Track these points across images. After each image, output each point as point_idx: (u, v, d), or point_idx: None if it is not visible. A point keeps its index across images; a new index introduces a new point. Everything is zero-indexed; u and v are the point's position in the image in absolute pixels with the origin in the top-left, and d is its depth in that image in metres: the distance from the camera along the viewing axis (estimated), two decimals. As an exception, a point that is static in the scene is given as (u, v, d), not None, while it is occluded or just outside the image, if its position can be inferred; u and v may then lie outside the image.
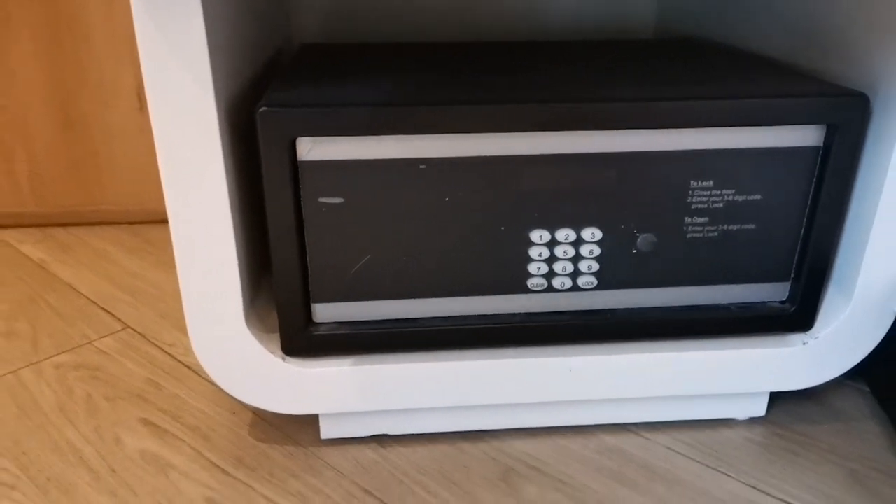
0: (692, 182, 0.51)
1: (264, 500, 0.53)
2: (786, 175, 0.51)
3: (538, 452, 0.58)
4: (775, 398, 0.63)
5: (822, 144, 0.51)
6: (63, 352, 0.71)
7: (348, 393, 0.54)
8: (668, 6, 0.86)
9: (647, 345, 0.56)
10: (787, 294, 0.56)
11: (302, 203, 0.49)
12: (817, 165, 0.51)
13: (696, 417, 0.61)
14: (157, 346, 0.72)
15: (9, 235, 0.99)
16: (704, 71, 0.57)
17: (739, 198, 0.52)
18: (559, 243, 0.52)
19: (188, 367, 0.69)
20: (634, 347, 0.56)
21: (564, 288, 0.53)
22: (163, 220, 1.02)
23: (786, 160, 0.51)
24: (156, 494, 0.53)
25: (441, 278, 0.52)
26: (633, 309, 0.55)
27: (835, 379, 0.62)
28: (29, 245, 0.96)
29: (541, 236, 0.51)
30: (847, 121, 0.49)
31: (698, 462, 0.57)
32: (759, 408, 0.61)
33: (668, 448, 0.58)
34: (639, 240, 0.52)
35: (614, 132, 0.49)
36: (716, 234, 0.53)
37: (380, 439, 0.59)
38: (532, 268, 0.52)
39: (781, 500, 0.53)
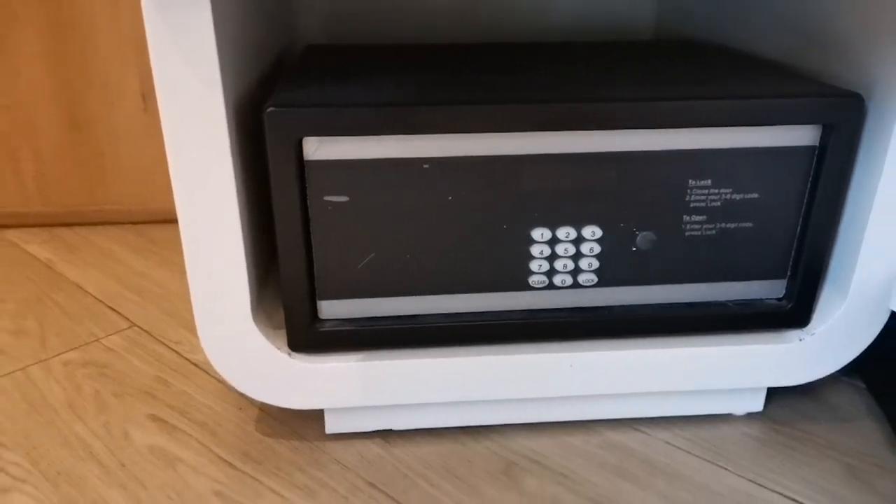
0: (691, 181, 0.52)
1: (271, 493, 0.54)
2: (782, 174, 0.52)
3: (539, 447, 0.59)
4: (773, 394, 0.64)
5: (818, 144, 0.52)
6: (71, 349, 0.72)
7: (353, 388, 0.55)
8: (667, 8, 0.87)
9: (646, 341, 0.57)
10: (783, 291, 0.57)
11: (308, 202, 0.50)
12: (813, 165, 0.52)
13: (696, 413, 0.62)
14: (163, 343, 0.74)
15: (15, 235, 1.00)
16: (703, 72, 0.58)
17: (737, 197, 0.53)
18: (560, 241, 0.53)
19: (194, 365, 0.70)
20: (634, 344, 0.57)
21: (565, 285, 0.54)
22: (167, 220, 1.04)
23: (783, 160, 0.52)
24: (165, 488, 0.54)
25: (444, 276, 0.53)
26: (632, 306, 0.56)
27: (831, 375, 0.63)
28: (35, 245, 0.97)
29: (542, 234, 0.52)
30: (843, 121, 0.50)
31: (697, 457, 0.58)
32: (757, 404, 0.62)
33: (668, 443, 0.59)
34: (638, 238, 0.53)
35: (614, 132, 0.50)
36: (714, 232, 0.54)
37: (384, 434, 0.60)
38: (533, 265, 0.53)
39: (779, 493, 0.54)
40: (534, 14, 0.89)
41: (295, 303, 0.52)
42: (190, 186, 0.48)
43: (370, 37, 0.89)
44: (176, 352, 0.72)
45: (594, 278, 0.54)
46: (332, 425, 0.59)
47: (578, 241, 0.53)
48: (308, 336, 0.53)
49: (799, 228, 0.54)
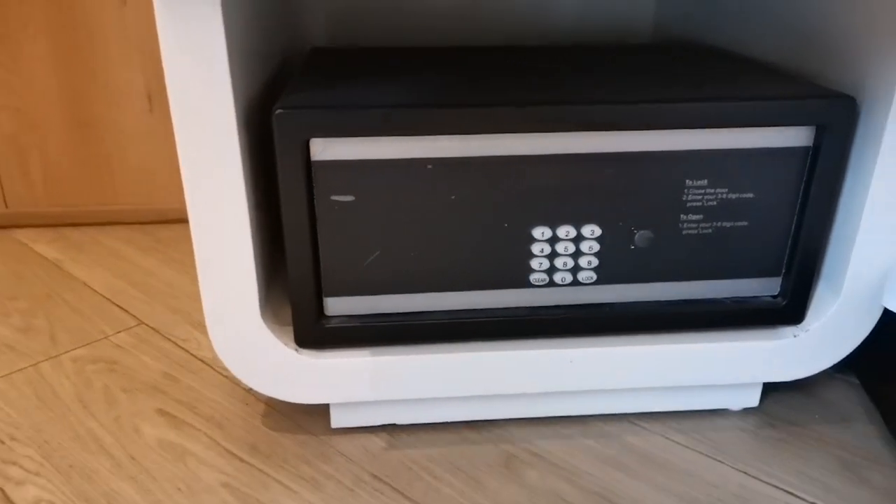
0: (688, 181, 0.53)
1: (278, 485, 0.55)
2: (777, 174, 0.54)
3: (539, 440, 0.60)
4: (768, 390, 0.65)
5: (811, 145, 0.53)
6: (80, 346, 0.74)
7: (358, 383, 0.56)
8: (665, 12, 0.89)
9: (644, 337, 0.58)
10: (778, 288, 0.58)
11: (315, 201, 0.51)
12: (807, 165, 0.54)
13: (692, 408, 0.64)
14: (171, 340, 0.75)
15: (23, 235, 1.01)
16: (700, 74, 0.59)
17: (733, 196, 0.54)
18: (560, 240, 0.54)
19: (202, 361, 0.71)
20: (632, 340, 0.58)
21: (565, 283, 0.56)
22: (172, 220, 1.05)
23: (777, 160, 0.53)
24: (174, 480, 0.55)
25: (447, 273, 0.55)
26: (631, 303, 0.57)
27: (825, 371, 0.64)
28: (42, 244, 0.98)
29: (543, 233, 0.54)
30: (836, 122, 0.52)
31: (693, 450, 0.59)
32: (753, 399, 0.64)
33: (665, 437, 0.61)
34: (636, 236, 0.55)
35: (613, 133, 0.51)
36: (710, 230, 0.55)
37: (388, 428, 0.61)
38: (534, 263, 0.55)
39: (773, 485, 0.56)
40: (534, 17, 0.91)
41: (302, 300, 0.53)
42: (201, 187, 0.49)
43: (372, 39, 0.90)
44: (183, 349, 0.73)
45: (593, 276, 0.56)
46: (337, 420, 0.61)
47: (578, 239, 0.54)
48: (315, 332, 0.55)
49: (793, 227, 0.56)
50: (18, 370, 0.70)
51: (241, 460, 0.58)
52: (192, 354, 0.72)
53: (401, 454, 0.58)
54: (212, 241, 0.51)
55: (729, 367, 0.59)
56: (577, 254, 0.55)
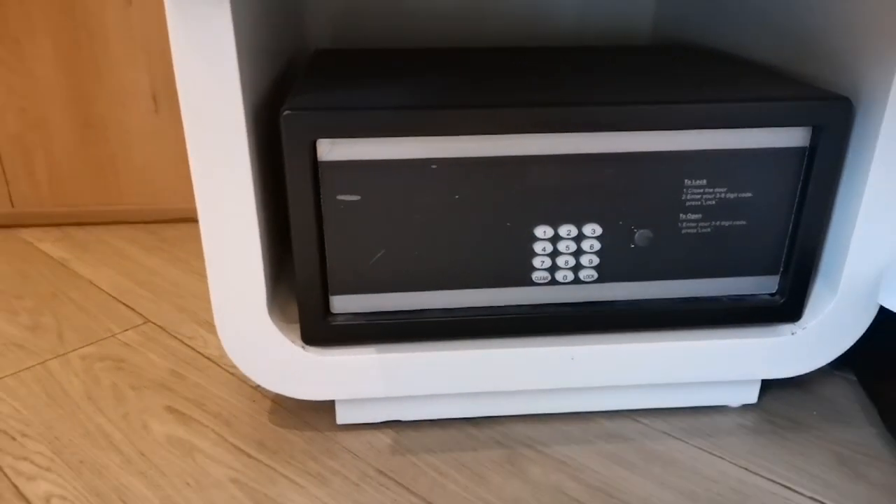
0: (687, 181, 0.54)
1: (285, 480, 0.56)
2: (775, 174, 0.55)
3: (542, 436, 0.61)
4: (767, 387, 0.66)
5: (808, 145, 0.54)
6: (88, 344, 0.75)
7: (364, 380, 0.57)
8: (664, 14, 0.90)
9: (644, 335, 0.59)
10: (776, 286, 0.59)
11: (321, 201, 0.52)
12: (804, 165, 0.55)
13: (692, 405, 0.65)
14: (177, 338, 0.76)
15: (29, 234, 1.02)
16: (698, 75, 0.60)
17: (731, 195, 0.55)
18: (562, 238, 0.55)
19: (208, 359, 0.72)
20: (633, 337, 0.59)
21: (567, 281, 0.57)
22: (177, 220, 1.06)
23: (775, 160, 0.54)
24: (183, 475, 0.56)
25: (451, 272, 0.56)
26: (631, 301, 0.58)
27: (823, 368, 0.65)
28: (48, 243, 0.99)
29: (544, 232, 0.55)
30: (832, 123, 0.52)
31: (693, 446, 0.60)
32: (752, 395, 0.65)
33: (665, 433, 0.62)
34: (636, 235, 0.56)
35: (614, 134, 0.52)
36: (709, 229, 0.56)
37: (393, 425, 0.62)
38: (536, 262, 0.56)
39: (771, 480, 0.57)
40: (535, 18, 0.92)
41: (308, 298, 0.54)
42: (211, 186, 0.50)
43: (374, 41, 0.91)
44: (190, 346, 0.74)
45: (594, 274, 0.57)
46: (343, 416, 0.62)
47: (579, 238, 0.55)
48: (321, 330, 0.56)
49: (791, 226, 0.57)
50: (27, 368, 0.71)
51: (249, 456, 0.59)
52: (198, 352, 0.73)
53: (405, 450, 0.59)
54: (220, 239, 0.52)
55: (728, 364, 0.60)
56: (578, 252, 0.56)
